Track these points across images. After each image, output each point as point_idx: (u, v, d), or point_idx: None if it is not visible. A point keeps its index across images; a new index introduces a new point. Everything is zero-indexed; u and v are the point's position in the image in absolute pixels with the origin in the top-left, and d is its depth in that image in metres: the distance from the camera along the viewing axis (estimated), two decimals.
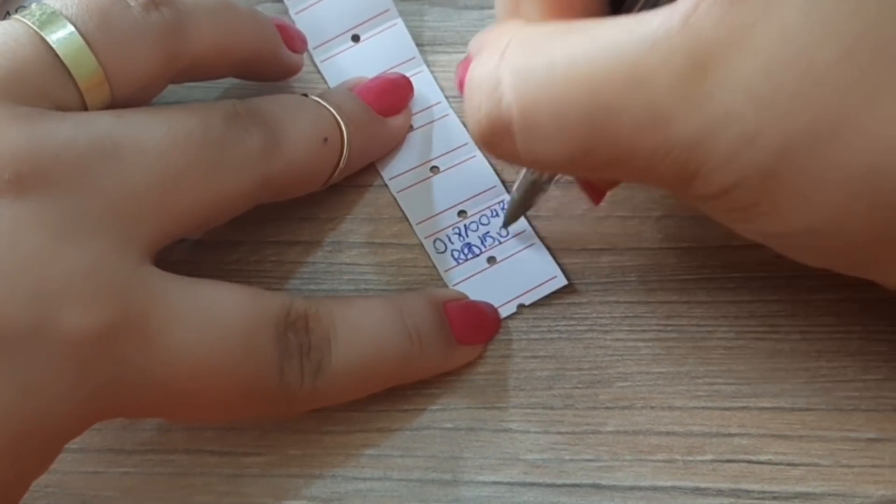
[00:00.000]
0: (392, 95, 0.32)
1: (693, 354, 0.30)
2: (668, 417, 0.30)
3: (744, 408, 0.30)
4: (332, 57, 0.34)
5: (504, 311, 0.31)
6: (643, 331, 0.30)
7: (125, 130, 0.26)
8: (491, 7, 0.34)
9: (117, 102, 0.27)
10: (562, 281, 0.31)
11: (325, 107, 0.30)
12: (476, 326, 0.30)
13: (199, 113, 0.27)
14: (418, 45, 0.34)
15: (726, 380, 0.30)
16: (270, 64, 0.32)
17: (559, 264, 0.31)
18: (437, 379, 0.30)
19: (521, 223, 0.31)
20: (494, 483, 0.29)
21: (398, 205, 0.32)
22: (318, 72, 0.34)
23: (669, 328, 0.30)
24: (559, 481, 0.29)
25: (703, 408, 0.30)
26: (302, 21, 0.34)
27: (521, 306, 0.31)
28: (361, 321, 0.28)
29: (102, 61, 0.26)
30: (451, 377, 0.31)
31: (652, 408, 0.30)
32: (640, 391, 0.30)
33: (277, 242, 0.32)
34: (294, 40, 0.33)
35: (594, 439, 0.30)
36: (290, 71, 0.33)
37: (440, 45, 0.34)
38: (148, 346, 0.25)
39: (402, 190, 0.32)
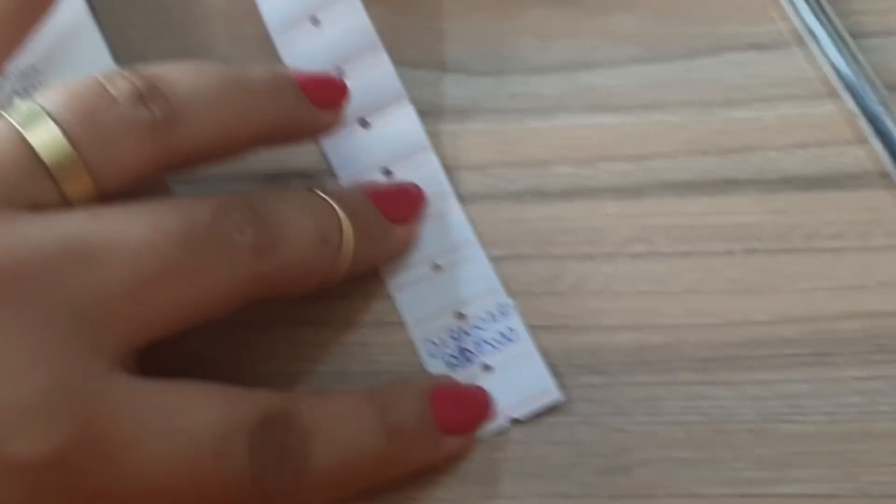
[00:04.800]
0: (405, 204, 0.32)
1: (715, 438, 0.29)
2: None
3: (767, 494, 0.29)
4: (337, 140, 0.33)
5: (494, 425, 0.30)
6: (664, 413, 0.30)
7: (97, 231, 0.25)
8: (511, 72, 0.33)
9: (104, 197, 0.26)
10: (556, 396, 0.30)
11: (331, 206, 0.29)
12: (463, 414, 0.30)
13: (184, 208, 0.26)
14: (433, 114, 0.33)
15: (748, 465, 0.29)
16: (294, 132, 0.31)
17: (558, 374, 0.30)
18: (449, 465, 0.30)
19: (521, 328, 0.30)
20: None
21: (395, 305, 0.31)
22: (323, 154, 0.33)
23: (691, 410, 0.30)
24: None
25: (725, 495, 0.29)
26: None
27: (514, 420, 0.30)
28: (341, 419, 0.28)
29: (85, 158, 0.25)
30: (464, 463, 0.30)
31: (673, 496, 0.29)
32: (660, 479, 0.29)
33: (289, 322, 0.32)
34: (330, 93, 0.31)
35: None
36: (321, 130, 0.32)
37: (453, 113, 0.33)
38: (110, 463, 0.24)
39: (400, 289, 0.32)
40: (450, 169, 0.33)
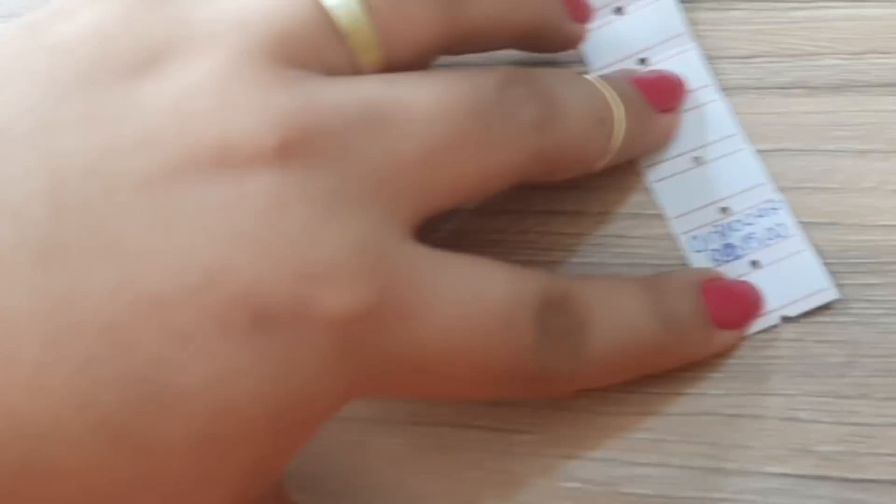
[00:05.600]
0: (668, 92, 0.30)
1: None
2: None
3: None
4: (592, 31, 0.32)
5: (764, 322, 0.29)
6: None
7: (394, 96, 0.24)
8: None
9: (389, 69, 0.25)
10: (831, 294, 0.28)
11: (603, 88, 0.28)
12: (736, 309, 0.29)
13: (471, 79, 0.25)
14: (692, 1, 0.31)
15: None
16: (552, 35, 0.30)
17: (832, 272, 0.29)
18: (717, 362, 0.29)
19: (791, 224, 0.29)
20: (783, 475, 0.28)
21: (654, 196, 0.30)
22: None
23: None
24: (854, 476, 0.28)
25: None
26: None
27: (785, 318, 0.29)
28: (618, 305, 0.27)
29: (379, 25, 0.25)
30: (733, 360, 0.29)
31: None
32: None
33: (541, 212, 0.31)
34: (579, 8, 0.31)
35: (894, 433, 0.28)
36: (572, 42, 0.31)
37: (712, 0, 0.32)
38: (407, 328, 0.23)
39: (660, 180, 0.30)
40: (710, 59, 0.31)
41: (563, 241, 0.31)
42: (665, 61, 0.31)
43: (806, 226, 0.30)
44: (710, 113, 0.31)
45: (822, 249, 0.29)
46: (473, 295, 0.24)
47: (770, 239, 0.29)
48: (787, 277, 0.29)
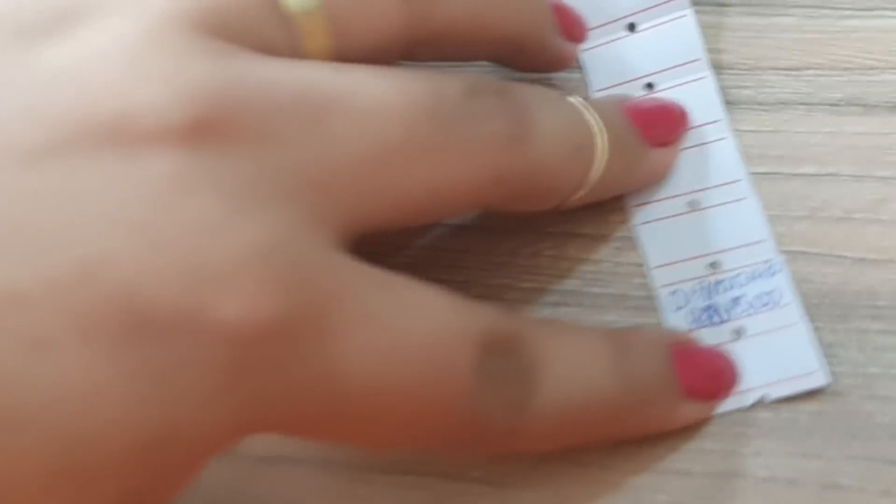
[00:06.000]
0: (665, 124, 0.27)
1: None
2: None
3: None
4: (598, 47, 0.28)
5: (738, 401, 0.25)
6: None
7: (340, 85, 0.21)
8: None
9: (339, 62, 0.22)
10: (821, 379, 0.25)
11: (587, 112, 0.24)
12: (707, 380, 0.25)
13: (435, 81, 0.22)
14: (724, 5, 0.28)
15: None
16: (537, 50, 0.26)
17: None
18: (750, 415, 0.25)
19: (788, 292, 0.25)
20: None
21: (638, 241, 0.27)
22: (578, 62, 0.28)
23: None
24: None
25: None
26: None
27: (763, 399, 0.25)
28: (576, 356, 0.23)
29: (331, 9, 0.22)
30: (768, 413, 0.25)
31: None
32: None
33: (555, 234, 0.27)
34: (572, 26, 0.27)
35: None
36: (560, 63, 0.27)
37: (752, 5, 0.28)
38: (322, 350, 0.19)
39: (646, 223, 0.27)
40: (754, 70, 0.28)
41: (578, 268, 0.27)
42: (674, 89, 0.27)
43: (856, 262, 0.26)
44: (716, 153, 0.27)
45: (874, 290, 0.26)
46: (408, 322, 0.20)
47: (761, 306, 0.25)
48: (774, 353, 0.25)
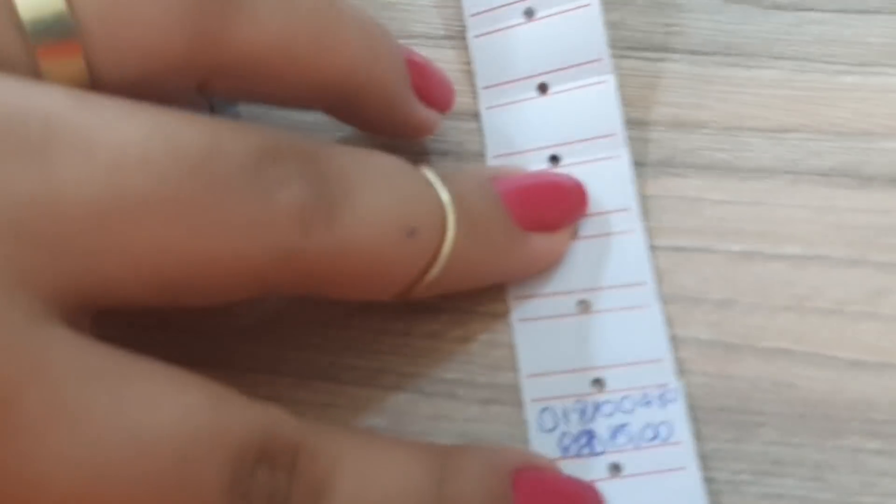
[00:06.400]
0: (549, 206, 0.22)
1: None
2: None
3: None
4: (502, 106, 0.24)
5: None
6: None
7: (78, 118, 0.17)
8: (817, 8, 0.24)
9: (96, 89, 0.18)
10: None
11: (434, 188, 0.20)
12: None
13: (218, 132, 0.18)
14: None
15: None
16: (380, 107, 0.22)
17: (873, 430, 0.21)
18: None
19: (683, 428, 0.21)
20: None
21: (514, 341, 0.22)
22: (478, 121, 0.24)
23: None
24: None
25: None
26: (478, 50, 0.24)
27: None
28: (379, 477, 0.18)
29: (85, 21, 0.18)
30: None
31: None
32: None
33: (446, 309, 0.22)
34: (432, 88, 0.23)
35: None
36: (413, 129, 0.23)
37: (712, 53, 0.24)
38: (20, 447, 0.16)
39: (525, 320, 0.22)
40: (730, 130, 0.23)
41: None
42: (581, 165, 0.23)
43: (850, 366, 0.21)
44: (619, 247, 0.23)
45: (870, 400, 0.21)
46: (135, 421, 0.16)
47: (647, 440, 0.21)
48: (654, 501, 0.21)
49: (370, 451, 0.19)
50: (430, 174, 0.21)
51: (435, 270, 0.20)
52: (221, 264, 0.18)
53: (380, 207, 0.19)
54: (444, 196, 0.20)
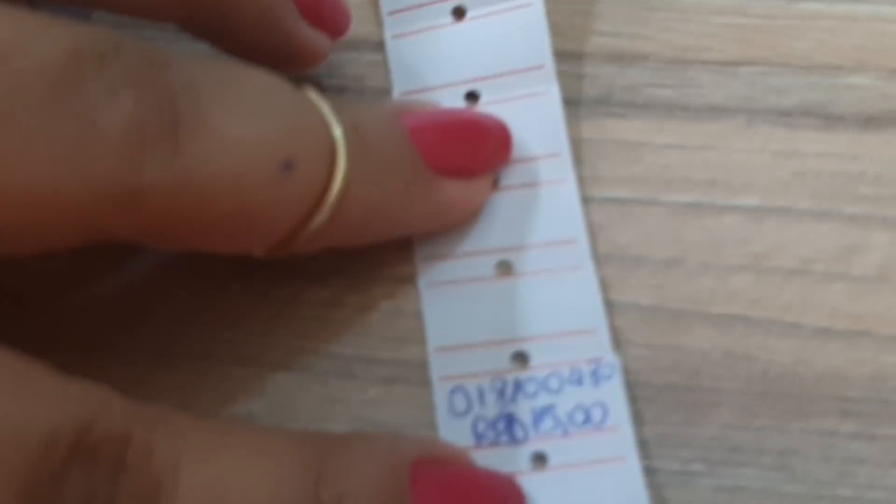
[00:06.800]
0: (469, 148, 0.19)
1: None
2: None
3: None
4: (411, 34, 0.21)
5: None
6: None
7: None
8: None
9: None
10: None
11: (321, 114, 0.17)
12: None
13: (18, 25, 0.14)
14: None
15: None
16: (250, 18, 0.18)
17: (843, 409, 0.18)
18: None
19: (621, 409, 0.18)
20: None
21: (421, 309, 0.19)
22: (382, 52, 0.21)
23: None
24: None
25: None
26: None
27: None
28: (235, 477, 0.15)
29: None
30: None
31: None
32: None
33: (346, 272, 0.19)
34: (322, 6, 0.20)
35: None
36: (295, 53, 0.19)
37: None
38: None
39: (433, 285, 0.19)
40: (677, 63, 0.20)
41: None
42: (504, 103, 0.20)
43: (817, 334, 0.18)
44: (548, 199, 0.20)
45: (842, 375, 0.18)
46: None
47: (578, 425, 0.18)
48: (587, 498, 0.17)
49: (226, 444, 0.15)
50: (317, 97, 0.17)
51: (321, 216, 0.17)
52: (32, 202, 0.14)
53: (243, 130, 0.16)
54: (335, 125, 0.17)
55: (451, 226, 0.19)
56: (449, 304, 0.19)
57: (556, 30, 0.21)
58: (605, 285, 0.19)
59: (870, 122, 0.20)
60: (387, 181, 0.18)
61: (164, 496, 0.14)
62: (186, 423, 0.15)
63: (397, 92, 0.21)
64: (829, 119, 0.20)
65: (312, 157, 0.17)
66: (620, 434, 0.18)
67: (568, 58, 0.21)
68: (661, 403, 0.18)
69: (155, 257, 0.20)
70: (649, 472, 0.18)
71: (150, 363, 0.19)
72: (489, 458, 0.18)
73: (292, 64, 0.19)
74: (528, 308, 0.19)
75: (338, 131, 0.17)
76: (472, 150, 0.19)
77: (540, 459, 0.18)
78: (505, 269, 0.19)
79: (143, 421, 0.15)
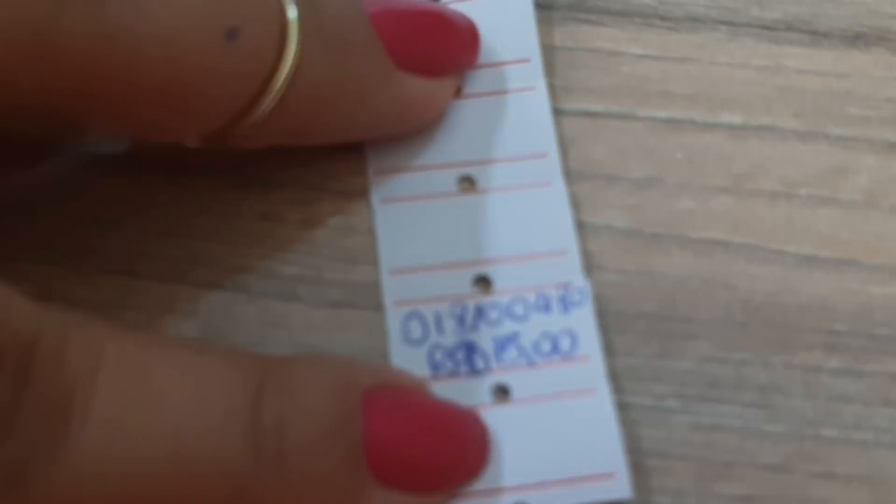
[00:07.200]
0: (435, 42, 0.18)
1: None
2: None
3: None
4: None
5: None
6: None
7: None
8: None
9: None
10: (622, 490, 0.15)
11: None
12: (420, 458, 0.15)
13: None
14: None
15: None
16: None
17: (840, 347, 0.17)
18: None
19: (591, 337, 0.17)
20: None
21: (374, 227, 0.18)
22: None
23: None
24: None
25: None
26: None
27: None
28: (162, 389, 0.14)
29: None
30: None
31: None
32: None
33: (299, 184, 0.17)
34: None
35: None
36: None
37: None
38: None
39: (387, 201, 0.18)
40: None
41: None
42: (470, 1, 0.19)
43: (802, 262, 0.17)
44: (516, 108, 0.18)
45: (828, 305, 0.17)
46: None
47: (544, 355, 0.17)
48: (552, 433, 0.16)
49: (152, 357, 0.14)
50: None
51: (267, 101, 0.15)
52: None
53: None
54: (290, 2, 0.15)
55: (410, 129, 0.18)
56: (405, 221, 0.18)
57: None
58: (576, 205, 0.18)
59: (857, 39, 0.19)
60: (342, 67, 0.16)
61: (78, 407, 0.13)
62: (105, 332, 0.13)
63: None
64: (814, 35, 0.19)
65: (260, 29, 0.15)
66: (590, 364, 0.16)
67: None
68: (635, 333, 0.17)
69: (75, 157, 0.17)
70: (621, 407, 0.16)
71: (64, 277, 0.17)
72: (447, 390, 0.16)
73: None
74: (492, 227, 0.18)
75: (292, 4, 0.15)
76: (438, 44, 0.18)
77: (502, 391, 0.16)
78: (468, 184, 0.18)
79: (55, 325, 0.13)
